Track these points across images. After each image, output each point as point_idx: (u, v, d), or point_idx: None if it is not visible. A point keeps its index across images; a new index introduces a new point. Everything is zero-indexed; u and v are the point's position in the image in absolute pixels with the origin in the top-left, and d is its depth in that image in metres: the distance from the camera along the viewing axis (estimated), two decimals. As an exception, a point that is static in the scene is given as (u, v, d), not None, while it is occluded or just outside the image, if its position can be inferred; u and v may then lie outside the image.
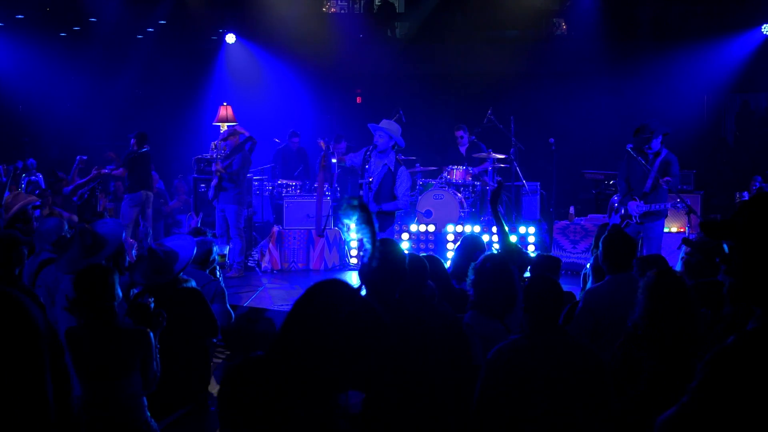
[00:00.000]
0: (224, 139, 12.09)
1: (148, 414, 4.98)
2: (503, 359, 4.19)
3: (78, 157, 14.15)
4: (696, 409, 2.42)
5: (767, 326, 2.40)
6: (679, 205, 9.86)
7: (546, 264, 6.80)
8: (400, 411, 3.85)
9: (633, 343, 4.49)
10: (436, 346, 4.12)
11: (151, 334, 4.95)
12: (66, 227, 6.95)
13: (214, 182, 11.81)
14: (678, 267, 6.11)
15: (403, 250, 4.31)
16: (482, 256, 5.57)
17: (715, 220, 2.67)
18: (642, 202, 9.68)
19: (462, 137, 13.80)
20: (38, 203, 8.63)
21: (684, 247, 6.14)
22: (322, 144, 10.59)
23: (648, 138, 9.68)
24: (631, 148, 9.84)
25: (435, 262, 6.57)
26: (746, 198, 12.92)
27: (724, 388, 2.37)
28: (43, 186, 14.19)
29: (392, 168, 8.99)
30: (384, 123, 9.07)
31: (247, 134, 11.86)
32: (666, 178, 9.69)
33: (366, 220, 3.26)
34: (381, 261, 4.17)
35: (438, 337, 4.15)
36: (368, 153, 9.20)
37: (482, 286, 5.24)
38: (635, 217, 9.71)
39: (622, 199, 9.97)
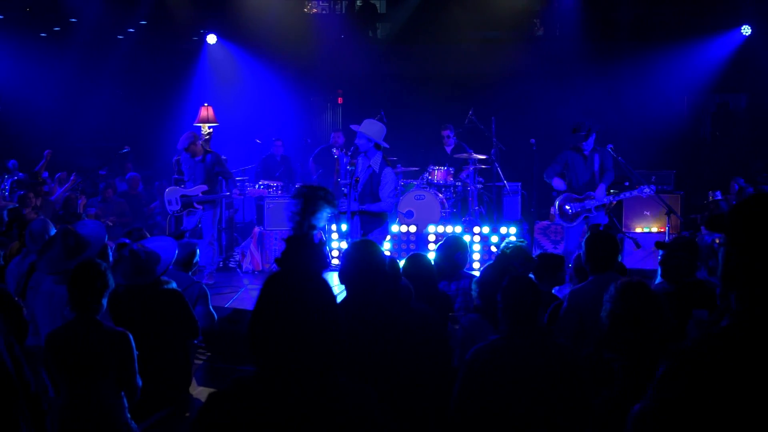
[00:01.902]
0: (204, 141, 12.01)
1: (128, 416, 4.97)
2: (481, 359, 4.20)
3: (46, 152, 14.08)
4: (656, 406, 2.47)
5: (734, 326, 2.45)
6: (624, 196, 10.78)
7: (550, 262, 6.84)
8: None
9: (603, 346, 4.52)
10: (416, 347, 4.13)
11: (131, 338, 4.95)
12: (52, 228, 6.94)
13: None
14: (658, 270, 6.15)
15: (382, 252, 4.31)
16: (485, 265, 5.65)
17: (719, 216, 2.75)
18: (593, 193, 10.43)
19: (449, 137, 13.83)
20: (11, 207, 8.64)
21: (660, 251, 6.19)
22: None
23: (585, 136, 10.39)
24: (573, 147, 10.59)
25: (421, 260, 6.58)
26: (718, 197, 13.06)
27: (679, 386, 2.42)
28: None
29: (377, 170, 8.91)
30: (365, 124, 8.99)
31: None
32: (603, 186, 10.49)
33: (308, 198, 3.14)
34: (361, 262, 4.18)
35: (417, 337, 4.16)
36: (351, 155, 9.19)
37: (484, 292, 5.30)
38: (593, 209, 10.38)
39: (566, 196, 10.61)
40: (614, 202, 10.82)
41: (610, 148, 11.49)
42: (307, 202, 2.97)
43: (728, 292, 2.51)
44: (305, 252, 2.72)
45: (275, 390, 2.49)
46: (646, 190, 10.61)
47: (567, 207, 10.57)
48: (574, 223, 10.50)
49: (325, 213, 3.03)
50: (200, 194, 11.19)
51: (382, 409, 2.63)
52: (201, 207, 11.23)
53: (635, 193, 10.65)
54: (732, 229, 2.52)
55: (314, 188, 3.10)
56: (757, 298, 2.44)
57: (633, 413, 2.58)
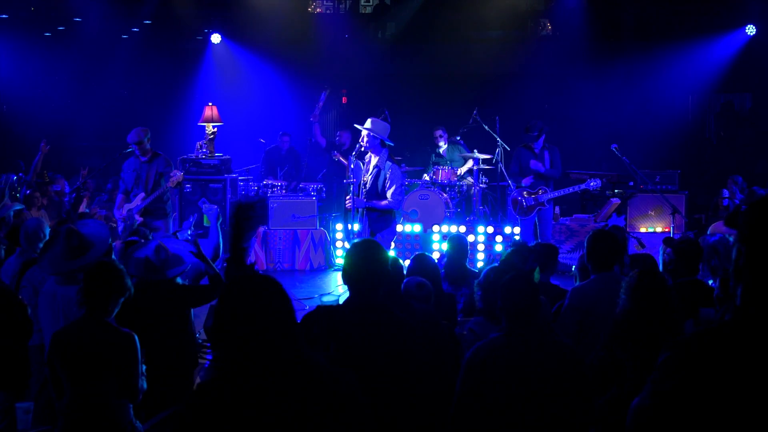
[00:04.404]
0: (208, 141, 12.01)
1: (133, 415, 4.96)
2: (480, 358, 4.19)
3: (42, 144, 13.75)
4: (653, 399, 2.51)
5: (735, 321, 2.49)
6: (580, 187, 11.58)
7: (546, 250, 6.85)
8: (381, 414, 3.84)
9: (615, 344, 4.51)
10: (419, 348, 4.11)
11: (137, 340, 4.93)
12: (46, 227, 6.93)
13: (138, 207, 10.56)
14: (660, 267, 6.16)
15: (386, 252, 4.30)
16: (487, 268, 5.64)
17: (735, 213, 2.85)
18: (550, 190, 11.40)
19: (440, 136, 13.85)
20: (17, 208, 8.66)
21: (665, 247, 6.20)
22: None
23: (537, 136, 11.36)
24: (524, 145, 11.59)
25: (426, 262, 6.55)
26: (725, 195, 13.14)
27: (676, 379, 2.45)
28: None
29: (382, 167, 8.92)
30: (369, 122, 9.00)
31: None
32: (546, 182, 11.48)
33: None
34: (363, 262, 4.16)
35: (420, 339, 4.15)
36: (355, 153, 9.18)
37: (487, 294, 5.29)
38: (545, 202, 11.35)
39: (521, 190, 11.51)
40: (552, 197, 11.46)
41: (615, 147, 11.55)
42: (236, 227, 3.36)
43: (736, 288, 2.54)
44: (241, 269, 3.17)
45: (250, 378, 2.68)
46: (592, 183, 11.37)
47: (522, 201, 11.37)
48: (529, 216, 11.39)
49: (252, 232, 3.32)
50: (140, 202, 10.54)
51: (361, 392, 2.82)
52: (141, 218, 10.39)
53: (582, 186, 11.50)
54: (741, 227, 2.57)
55: (243, 210, 3.44)
56: (759, 294, 2.47)
57: (632, 407, 2.60)
